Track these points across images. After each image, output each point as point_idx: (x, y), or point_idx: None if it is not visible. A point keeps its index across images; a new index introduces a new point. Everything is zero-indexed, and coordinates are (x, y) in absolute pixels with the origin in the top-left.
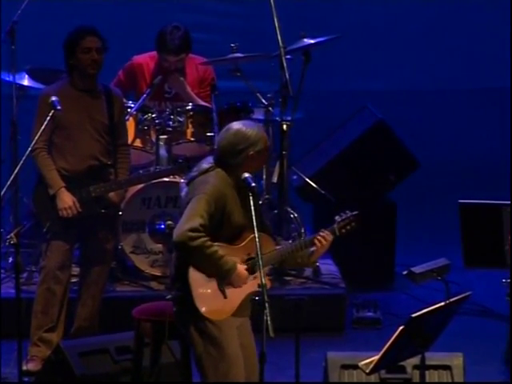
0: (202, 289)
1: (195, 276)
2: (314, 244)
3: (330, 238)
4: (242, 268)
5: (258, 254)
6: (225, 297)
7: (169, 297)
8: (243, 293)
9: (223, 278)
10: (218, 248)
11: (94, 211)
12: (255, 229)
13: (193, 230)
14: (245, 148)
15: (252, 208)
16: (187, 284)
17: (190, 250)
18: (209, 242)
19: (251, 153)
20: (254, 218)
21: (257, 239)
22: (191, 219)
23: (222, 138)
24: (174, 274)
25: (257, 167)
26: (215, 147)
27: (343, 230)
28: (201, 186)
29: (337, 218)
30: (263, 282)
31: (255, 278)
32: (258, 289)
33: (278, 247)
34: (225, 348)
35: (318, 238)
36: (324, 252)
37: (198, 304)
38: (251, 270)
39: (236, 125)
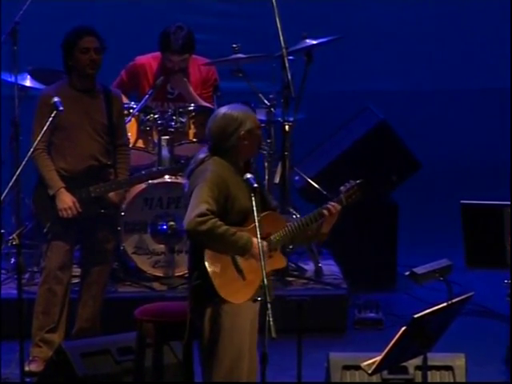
0: (221, 273)
1: (212, 262)
2: (322, 215)
3: (338, 207)
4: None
5: (260, 255)
6: (244, 279)
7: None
8: (261, 273)
9: (243, 253)
10: (229, 227)
11: (93, 211)
12: (257, 229)
13: (200, 215)
14: (235, 129)
15: (254, 209)
16: (205, 271)
17: (202, 234)
18: (219, 223)
19: (242, 133)
20: (256, 218)
21: (259, 239)
22: (197, 206)
23: (211, 123)
24: (191, 266)
25: (252, 149)
26: (207, 135)
27: (349, 199)
28: (200, 175)
29: (342, 188)
30: (265, 282)
31: (271, 257)
32: (276, 267)
33: (288, 223)
34: (233, 342)
35: (326, 208)
36: (333, 223)
37: (219, 289)
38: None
39: (223, 109)
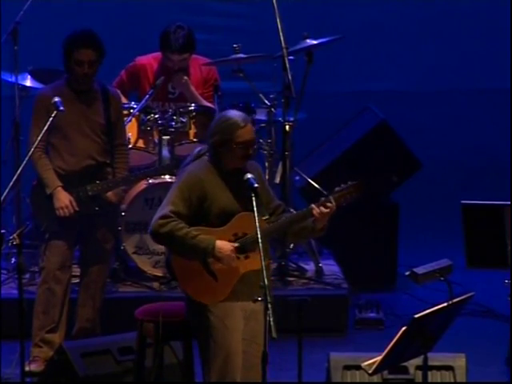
0: (189, 275)
1: (179, 267)
2: (312, 214)
3: (323, 210)
4: (223, 242)
5: (260, 255)
6: (216, 280)
7: None
8: (236, 272)
9: (205, 256)
10: (193, 229)
11: (91, 210)
12: (258, 229)
13: (162, 217)
14: (215, 132)
15: (255, 209)
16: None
17: (163, 237)
18: (180, 225)
19: (216, 138)
20: (256, 218)
21: (260, 240)
22: (163, 208)
23: None
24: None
25: (228, 159)
26: None
27: (341, 199)
28: (180, 175)
29: (336, 188)
30: (266, 283)
31: (247, 257)
32: (253, 268)
33: (267, 226)
34: (223, 343)
35: (310, 210)
36: (325, 220)
37: (190, 292)
38: (241, 250)
39: (229, 110)
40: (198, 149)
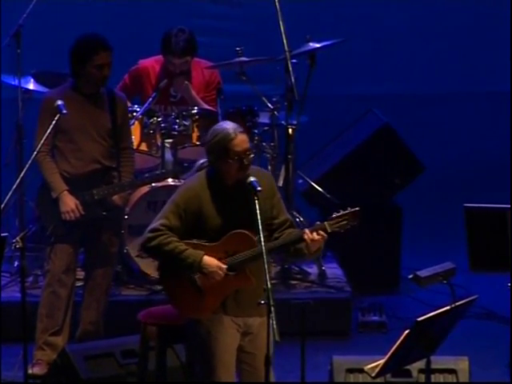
0: (176, 289)
1: (165, 277)
2: (303, 239)
3: (314, 236)
4: (210, 258)
5: (264, 258)
6: (202, 294)
7: None
8: (224, 290)
9: (192, 272)
10: (181, 244)
11: (97, 214)
12: (260, 232)
13: (152, 230)
14: (209, 150)
15: (258, 212)
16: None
17: (152, 250)
18: (168, 240)
19: (211, 154)
20: (259, 221)
21: (262, 242)
22: (155, 221)
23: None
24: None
25: (225, 174)
26: None
27: (336, 226)
28: (179, 187)
29: (334, 214)
30: (268, 285)
31: (237, 275)
32: (242, 286)
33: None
34: (212, 353)
35: (308, 232)
36: (319, 245)
37: (175, 304)
38: (230, 268)
39: (221, 123)
40: (202, 161)
